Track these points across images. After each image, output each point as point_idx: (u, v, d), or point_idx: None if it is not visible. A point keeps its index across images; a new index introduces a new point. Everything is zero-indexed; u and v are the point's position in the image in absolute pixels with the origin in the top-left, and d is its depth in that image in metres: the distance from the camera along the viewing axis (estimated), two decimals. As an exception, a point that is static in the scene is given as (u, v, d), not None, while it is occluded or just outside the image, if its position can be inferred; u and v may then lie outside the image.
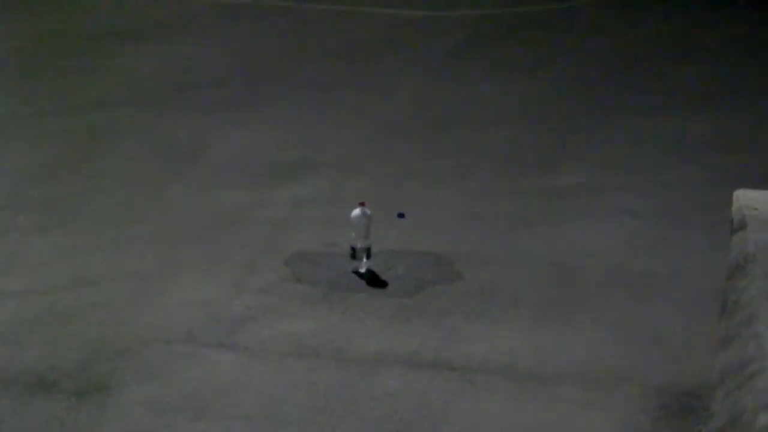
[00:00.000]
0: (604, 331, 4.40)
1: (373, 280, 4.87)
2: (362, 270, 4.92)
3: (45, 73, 8.97)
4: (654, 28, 10.91)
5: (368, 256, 4.95)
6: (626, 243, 5.40)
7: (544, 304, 4.64)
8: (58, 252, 5.17)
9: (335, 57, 9.62)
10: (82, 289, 4.73)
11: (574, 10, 11.81)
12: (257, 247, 5.25)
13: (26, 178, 6.28)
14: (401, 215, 5.63)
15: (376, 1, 12.03)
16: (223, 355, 4.14)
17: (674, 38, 10.49)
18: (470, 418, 3.71)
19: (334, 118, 7.74)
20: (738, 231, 3.41)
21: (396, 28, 10.91)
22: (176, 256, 5.15)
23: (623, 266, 5.09)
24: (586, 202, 5.99)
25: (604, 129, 7.47)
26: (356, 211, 4.94)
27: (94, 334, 4.28)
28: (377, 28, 10.86)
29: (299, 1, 11.96)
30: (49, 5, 11.83)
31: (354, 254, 4.94)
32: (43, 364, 4.02)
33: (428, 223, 5.63)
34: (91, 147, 6.88)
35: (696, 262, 5.09)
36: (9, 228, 5.50)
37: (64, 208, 5.79)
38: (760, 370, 2.41)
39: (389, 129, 7.43)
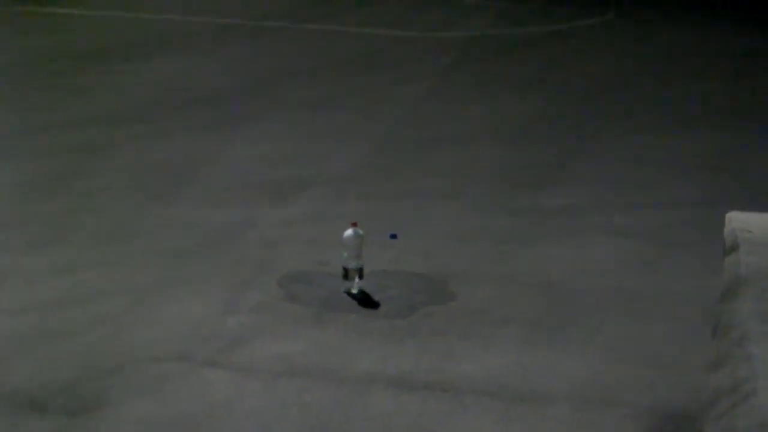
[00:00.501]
0: (595, 351, 4.40)
1: (365, 300, 4.87)
2: (354, 290, 4.92)
3: (37, 90, 8.98)
4: (645, 51, 10.97)
5: (360, 277, 4.95)
6: (618, 263, 5.41)
7: (536, 324, 4.64)
8: (50, 269, 5.16)
9: (327, 76, 9.65)
10: (73, 306, 4.72)
11: (566, 33, 11.88)
12: (250, 265, 5.25)
13: (18, 195, 6.28)
14: (393, 236, 5.64)
15: (369, 23, 12.08)
16: (215, 373, 4.13)
17: (666, 59, 10.56)
18: (463, 439, 3.71)
19: (327, 137, 7.76)
20: (730, 253, 3.42)
21: (389, 49, 10.96)
22: (168, 274, 5.14)
23: (615, 286, 5.10)
24: (578, 222, 6.01)
25: (596, 148, 7.51)
26: (348, 231, 4.94)
27: (86, 352, 4.27)
28: (370, 49, 10.90)
29: (292, 21, 12.00)
30: (41, 23, 11.84)
31: (346, 275, 4.94)
32: (34, 383, 4.00)
33: (420, 243, 5.63)
34: (84, 164, 6.88)
35: (688, 281, 5.11)
36: (0, 244, 5.48)
37: (55, 225, 5.78)
38: (752, 391, 2.42)
39: (381, 148, 7.45)
